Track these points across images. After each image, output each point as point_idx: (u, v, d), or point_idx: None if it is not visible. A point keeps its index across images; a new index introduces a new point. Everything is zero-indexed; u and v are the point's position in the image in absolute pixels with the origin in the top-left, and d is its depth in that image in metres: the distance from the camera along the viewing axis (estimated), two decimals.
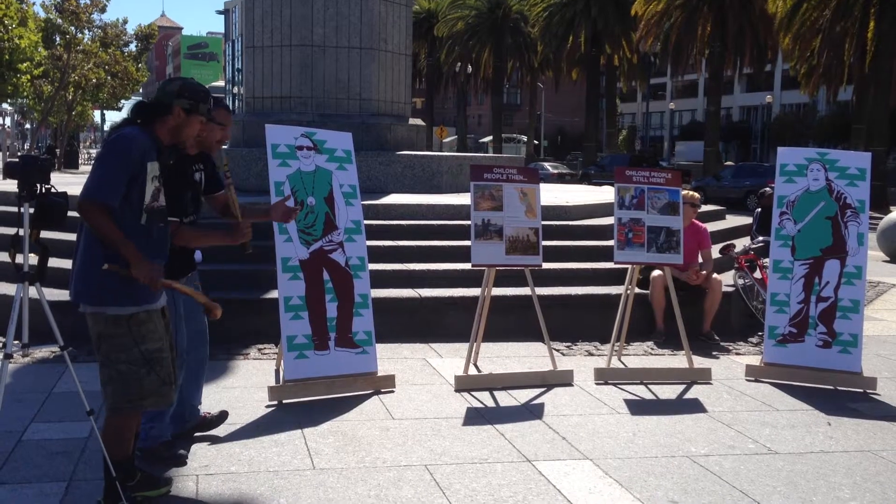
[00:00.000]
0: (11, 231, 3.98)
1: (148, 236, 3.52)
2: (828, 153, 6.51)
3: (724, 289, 7.57)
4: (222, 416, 4.70)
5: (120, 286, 3.44)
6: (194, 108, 3.66)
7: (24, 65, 34.87)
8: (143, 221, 3.49)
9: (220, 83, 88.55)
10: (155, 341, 3.57)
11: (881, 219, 15.50)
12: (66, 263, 3.72)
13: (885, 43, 27.97)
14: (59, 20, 37.63)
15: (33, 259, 4.00)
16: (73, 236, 3.71)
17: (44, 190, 3.84)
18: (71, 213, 4.03)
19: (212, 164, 4.36)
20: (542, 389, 5.79)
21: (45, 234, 4.01)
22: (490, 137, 58.63)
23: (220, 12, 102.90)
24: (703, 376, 6.16)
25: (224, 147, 4.38)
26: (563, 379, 5.96)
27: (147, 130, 3.56)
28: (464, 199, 7.64)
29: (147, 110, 3.62)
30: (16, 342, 4.06)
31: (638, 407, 5.52)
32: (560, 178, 36.25)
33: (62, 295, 3.85)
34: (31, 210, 3.89)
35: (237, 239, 4.07)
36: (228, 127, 4.32)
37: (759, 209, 9.98)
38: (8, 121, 51.08)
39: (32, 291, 3.99)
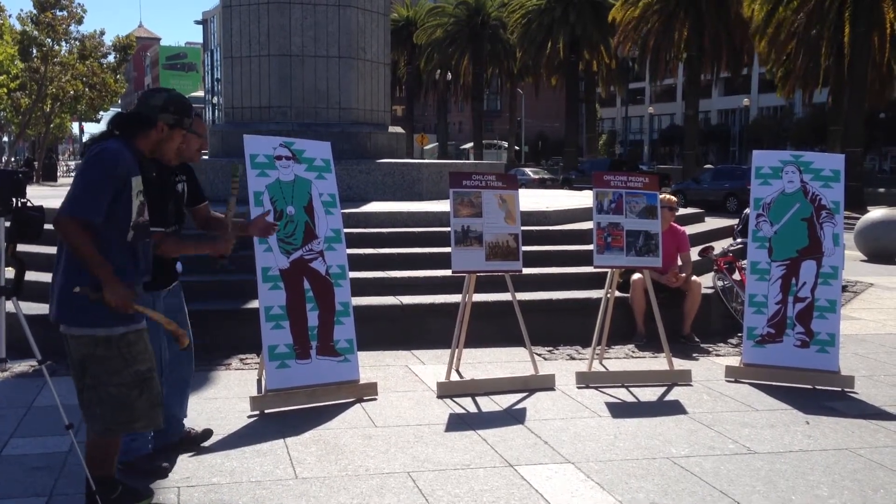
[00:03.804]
0: None
1: (134, 253, 3.48)
2: (802, 156, 6.59)
3: (704, 291, 7.63)
4: (206, 434, 4.65)
5: (107, 306, 3.38)
6: (178, 122, 3.63)
7: (1, 77, 34.66)
8: (129, 238, 3.44)
9: (200, 93, 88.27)
10: (145, 362, 3.53)
11: (858, 219, 15.66)
12: (44, 277, 3.71)
13: (860, 46, 28.33)
14: (36, 32, 37.41)
15: (10, 273, 3.99)
16: (50, 249, 3.69)
17: (20, 204, 3.83)
18: (48, 227, 4.03)
19: (193, 176, 4.35)
20: (524, 394, 5.81)
21: (21, 247, 4.00)
22: (471, 144, 58.81)
23: (198, 22, 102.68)
24: (684, 378, 6.20)
25: (206, 156, 4.37)
26: (544, 383, 5.99)
27: (128, 143, 3.49)
28: (444, 206, 7.68)
29: (128, 122, 3.55)
30: None
31: (619, 410, 5.55)
32: (541, 184, 36.43)
33: (40, 309, 3.83)
34: (7, 224, 3.88)
35: (219, 249, 4.01)
36: (205, 135, 4.31)
37: (747, 210, 10.05)
38: None
39: (10, 306, 3.97)
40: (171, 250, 4.02)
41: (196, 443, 4.57)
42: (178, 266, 4.52)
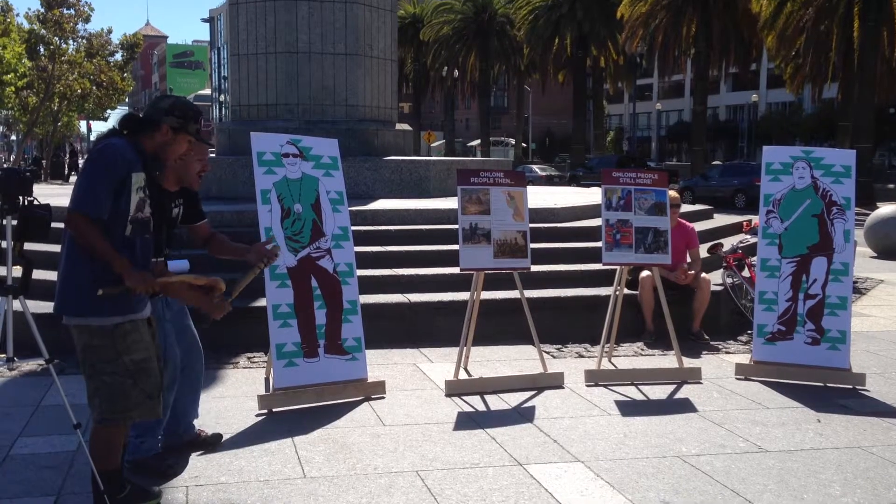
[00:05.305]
0: None
1: (132, 247, 3.50)
2: (813, 151, 6.54)
3: (713, 288, 7.59)
4: (216, 439, 4.63)
5: (105, 296, 3.41)
6: (183, 126, 3.67)
7: (9, 76, 34.75)
8: (127, 233, 3.47)
9: (207, 91, 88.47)
10: (140, 352, 3.55)
11: (868, 215, 15.57)
12: (51, 275, 3.70)
13: (869, 40, 28.16)
14: (43, 31, 37.45)
15: (17, 272, 3.99)
16: (57, 248, 3.69)
17: (26, 202, 3.83)
18: (55, 225, 4.02)
19: (192, 197, 4.28)
20: (533, 392, 5.78)
21: (28, 246, 3.99)
22: (478, 141, 58.74)
23: (204, 20, 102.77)
24: (693, 376, 6.17)
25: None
26: (553, 381, 5.96)
27: (133, 142, 3.55)
28: (452, 203, 7.65)
29: (135, 123, 3.62)
30: (1, 356, 4.03)
31: (628, 408, 5.52)
32: (548, 180, 36.34)
33: (47, 308, 3.82)
34: (14, 223, 3.87)
35: (213, 309, 3.78)
36: (206, 159, 4.22)
37: None
38: None
39: (17, 305, 3.96)
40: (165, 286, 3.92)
41: (205, 446, 4.55)
42: (185, 264, 4.49)
